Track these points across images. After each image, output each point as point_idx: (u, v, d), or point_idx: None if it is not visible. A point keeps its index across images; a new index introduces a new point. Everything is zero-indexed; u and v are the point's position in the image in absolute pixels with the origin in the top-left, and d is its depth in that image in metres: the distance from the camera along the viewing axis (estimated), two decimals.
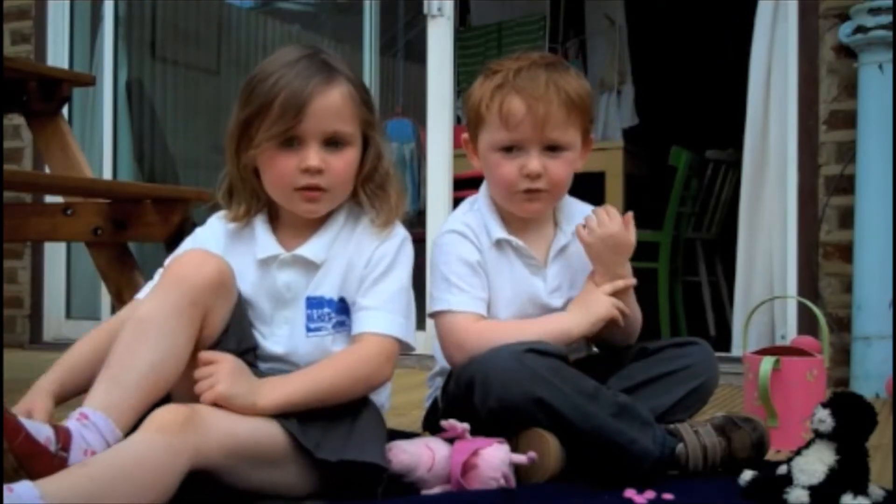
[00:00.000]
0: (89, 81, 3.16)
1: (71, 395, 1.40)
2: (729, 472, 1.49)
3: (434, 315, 1.68)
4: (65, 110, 3.00)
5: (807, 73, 3.01)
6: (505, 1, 5.50)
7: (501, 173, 1.67)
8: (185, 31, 4.96)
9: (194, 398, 1.31)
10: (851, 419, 1.34)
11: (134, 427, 1.24)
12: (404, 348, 1.50)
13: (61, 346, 4.19)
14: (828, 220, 2.97)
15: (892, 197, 2.75)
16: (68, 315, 4.21)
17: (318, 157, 1.45)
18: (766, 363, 1.84)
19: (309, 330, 1.49)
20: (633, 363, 1.67)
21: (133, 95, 4.51)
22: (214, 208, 1.59)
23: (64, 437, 1.19)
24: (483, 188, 1.77)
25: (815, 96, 3.00)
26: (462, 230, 1.69)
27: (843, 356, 2.85)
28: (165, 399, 1.33)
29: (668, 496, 1.37)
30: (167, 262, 1.48)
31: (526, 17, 5.34)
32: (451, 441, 1.47)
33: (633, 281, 1.69)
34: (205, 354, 1.34)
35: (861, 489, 1.32)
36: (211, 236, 1.56)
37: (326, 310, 1.49)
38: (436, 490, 1.42)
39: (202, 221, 1.63)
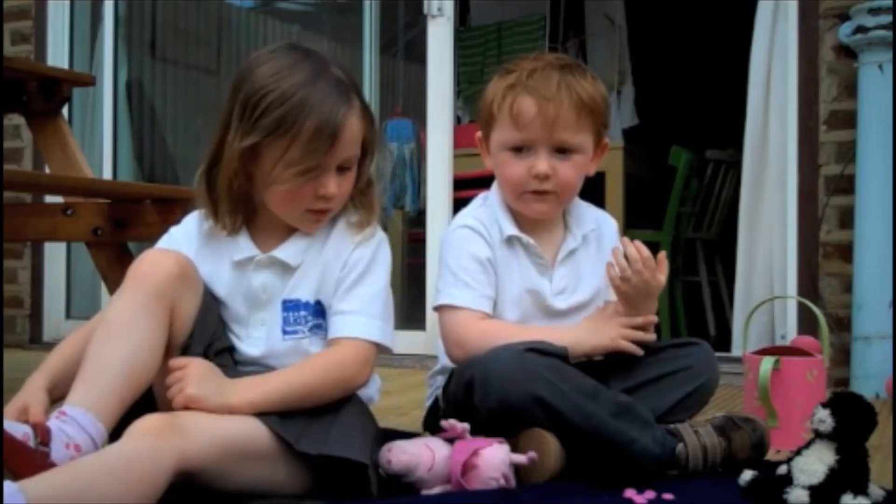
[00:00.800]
0: (89, 81, 3.16)
1: (62, 394, 1.40)
2: (729, 472, 1.49)
3: (438, 308, 1.68)
4: (65, 110, 3.00)
5: (807, 73, 3.01)
6: (505, 1, 5.50)
7: (510, 173, 1.67)
8: (185, 31, 4.96)
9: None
10: (851, 419, 1.34)
11: (119, 427, 1.25)
12: (382, 351, 1.50)
13: None
14: (828, 220, 2.97)
15: (892, 197, 2.75)
16: (68, 315, 4.21)
17: (335, 185, 1.45)
18: (766, 363, 1.84)
19: (285, 333, 1.49)
20: (633, 363, 1.66)
21: (133, 95, 4.51)
22: None
23: (42, 432, 1.19)
24: (495, 185, 1.77)
25: (815, 96, 2.99)
26: (474, 225, 1.69)
27: (843, 356, 2.85)
28: (148, 398, 1.33)
29: (668, 496, 1.37)
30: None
31: (526, 17, 5.34)
32: (451, 441, 1.47)
33: (654, 319, 1.64)
34: (173, 361, 1.34)
35: (861, 489, 1.32)
36: (184, 236, 1.55)
37: (303, 313, 1.49)
38: (436, 490, 1.42)
39: None
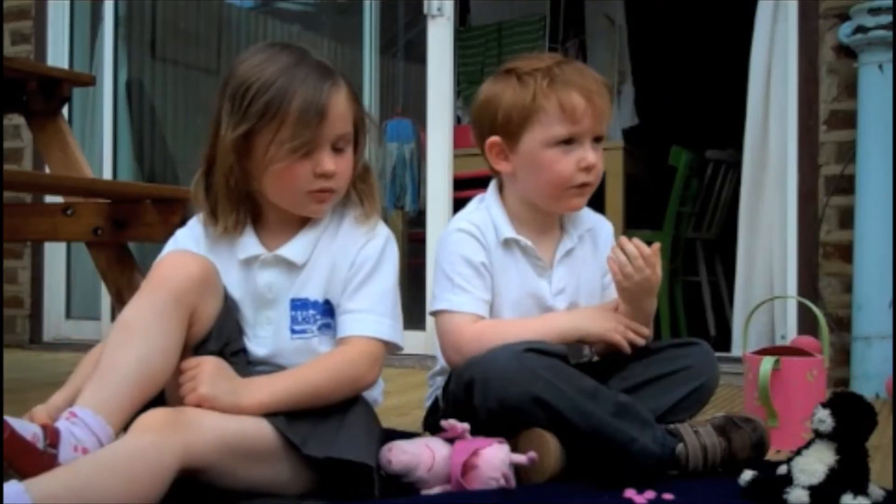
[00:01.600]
0: (89, 81, 3.16)
1: None
2: (729, 472, 1.49)
3: (435, 314, 1.68)
4: (65, 110, 3.00)
5: (807, 73, 3.01)
6: (505, 1, 5.50)
7: (559, 168, 1.66)
8: (185, 31, 4.96)
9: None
10: (851, 419, 1.34)
11: (127, 427, 1.24)
12: (392, 349, 1.50)
13: (61, 346, 4.20)
14: (828, 220, 2.97)
15: (892, 197, 2.75)
16: (68, 315, 4.21)
17: (332, 162, 1.45)
18: (766, 363, 1.84)
19: (293, 332, 1.48)
20: (633, 363, 1.67)
21: (133, 95, 4.51)
22: None
23: (52, 434, 1.19)
24: (492, 187, 1.77)
25: (815, 96, 2.99)
26: (469, 229, 1.69)
27: (843, 356, 2.85)
28: (159, 399, 1.33)
29: (668, 496, 1.37)
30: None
31: (526, 17, 5.34)
32: (451, 441, 1.47)
33: (647, 332, 1.66)
34: (187, 361, 1.34)
35: (861, 489, 1.32)
36: (191, 238, 1.55)
37: (311, 311, 1.49)
38: (436, 490, 1.42)
39: None
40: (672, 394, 1.64)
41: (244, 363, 1.47)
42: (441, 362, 1.73)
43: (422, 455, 1.44)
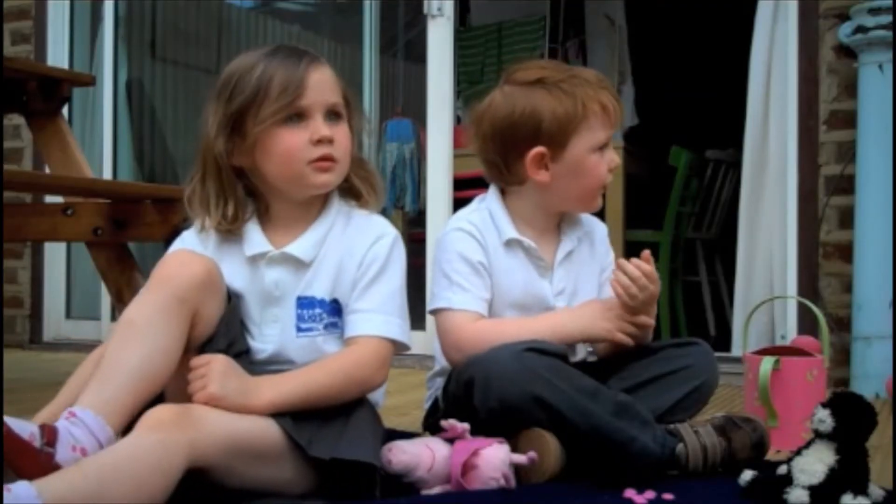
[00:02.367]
0: (89, 81, 3.17)
1: None
2: (729, 472, 1.49)
3: (434, 312, 1.68)
4: (65, 110, 3.00)
5: (807, 73, 3.01)
6: (505, 1, 5.50)
7: (600, 172, 1.69)
8: (185, 31, 4.96)
9: (188, 399, 1.31)
10: (851, 419, 1.34)
11: (129, 427, 1.24)
12: (400, 348, 1.50)
13: (61, 346, 4.20)
14: (828, 220, 2.97)
15: (892, 197, 2.75)
16: (68, 315, 4.21)
17: (327, 128, 1.46)
18: (766, 363, 1.84)
19: (299, 330, 1.48)
20: (633, 363, 1.67)
21: (133, 95, 4.51)
22: None
23: (49, 433, 1.18)
24: (493, 189, 1.76)
25: (815, 96, 3.00)
26: (468, 228, 1.69)
27: (843, 356, 2.85)
28: (160, 399, 1.33)
29: (668, 496, 1.37)
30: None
31: (526, 17, 5.34)
32: (451, 441, 1.47)
33: (652, 323, 1.67)
34: (196, 359, 1.34)
35: (861, 489, 1.32)
36: (197, 237, 1.54)
37: (318, 310, 1.48)
38: (436, 490, 1.42)
39: None
40: (672, 394, 1.64)
41: (248, 364, 1.47)
42: (440, 363, 1.74)
43: (422, 455, 1.44)
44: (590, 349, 1.78)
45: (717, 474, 1.52)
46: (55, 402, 1.38)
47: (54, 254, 4.17)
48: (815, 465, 1.34)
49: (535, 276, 1.71)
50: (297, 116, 1.46)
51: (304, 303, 1.48)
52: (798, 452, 1.38)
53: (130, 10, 4.55)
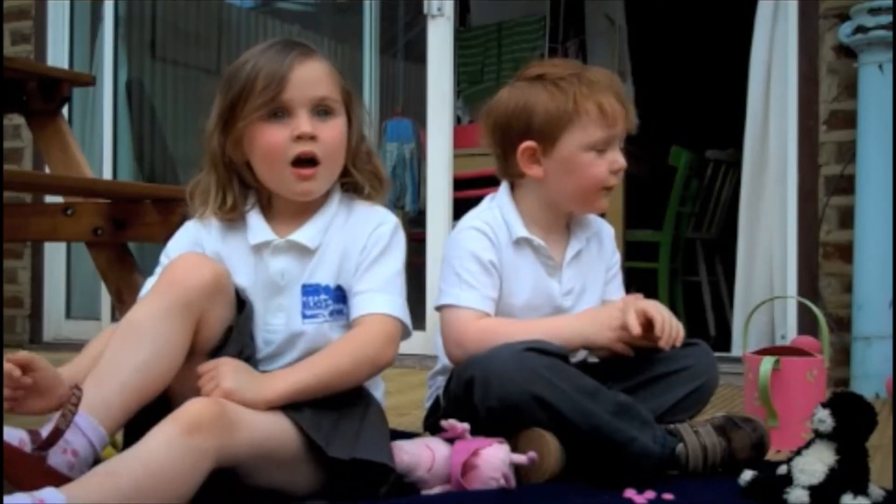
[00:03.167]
0: (89, 81, 3.16)
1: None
2: (729, 472, 1.49)
3: (440, 308, 1.68)
4: (65, 110, 3.00)
5: (807, 73, 3.01)
6: (505, 1, 5.50)
7: (595, 172, 1.68)
8: (185, 31, 4.96)
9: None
10: (851, 419, 1.34)
11: (138, 428, 1.23)
12: (404, 333, 1.49)
13: (61, 346, 4.19)
14: (828, 220, 2.97)
15: (892, 197, 2.75)
16: (68, 315, 4.21)
17: (309, 124, 1.45)
18: (766, 363, 1.84)
19: (305, 317, 1.48)
20: (633, 364, 1.67)
21: (133, 95, 4.51)
22: None
23: (37, 437, 1.18)
24: (504, 186, 1.77)
25: (815, 96, 3.00)
26: (482, 227, 1.69)
27: (843, 356, 2.85)
28: (160, 400, 1.32)
29: (668, 496, 1.37)
30: (162, 256, 1.49)
31: (526, 17, 5.34)
32: (451, 441, 1.47)
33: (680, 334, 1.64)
34: (202, 366, 1.33)
35: (861, 489, 1.32)
36: (203, 227, 1.54)
37: (323, 296, 1.49)
38: (436, 490, 1.42)
39: None
40: (672, 394, 1.64)
41: (255, 366, 1.47)
42: (442, 361, 1.74)
43: (422, 455, 1.44)
44: (581, 355, 1.78)
45: (717, 474, 1.52)
46: (75, 365, 1.37)
47: (54, 254, 4.17)
48: (815, 465, 1.34)
49: (544, 274, 1.71)
50: (281, 112, 1.45)
51: (310, 290, 1.49)
52: (798, 452, 1.38)
53: (130, 10, 4.55)
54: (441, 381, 1.73)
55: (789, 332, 2.96)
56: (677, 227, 4.33)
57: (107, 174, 4.13)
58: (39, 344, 4.11)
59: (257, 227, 1.51)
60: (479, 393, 1.51)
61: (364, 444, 1.36)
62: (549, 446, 1.47)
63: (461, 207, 1.81)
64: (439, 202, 3.53)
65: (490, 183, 1.80)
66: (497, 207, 1.73)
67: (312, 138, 1.45)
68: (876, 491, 1.34)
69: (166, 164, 4.72)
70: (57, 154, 2.78)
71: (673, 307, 4.28)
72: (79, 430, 1.21)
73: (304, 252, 1.49)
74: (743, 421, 1.58)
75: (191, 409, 1.20)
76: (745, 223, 3.20)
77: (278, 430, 1.30)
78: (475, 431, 1.47)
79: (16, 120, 4.04)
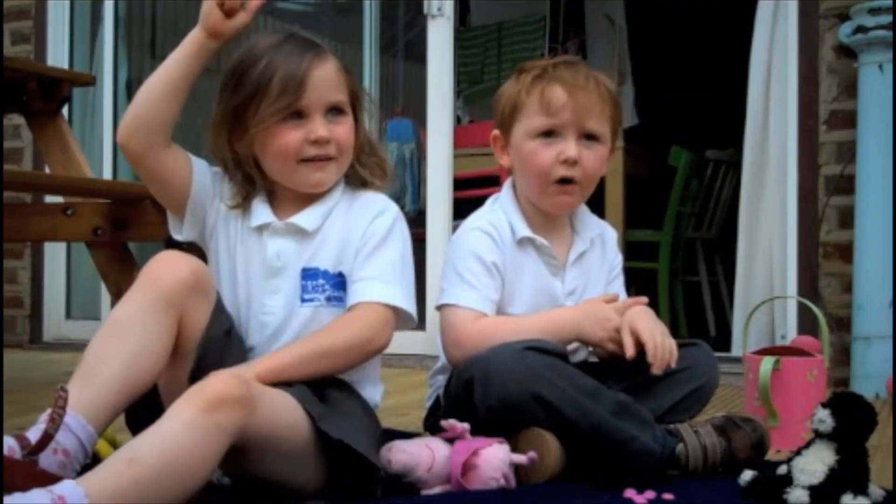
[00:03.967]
0: (89, 81, 3.16)
1: None
2: (729, 472, 1.49)
3: (440, 307, 1.68)
4: (65, 110, 3.00)
5: (807, 73, 3.01)
6: (505, 1, 5.50)
7: (538, 160, 1.67)
8: (185, 31, 4.93)
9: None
10: (851, 419, 1.34)
11: (138, 424, 1.24)
12: (403, 319, 1.50)
13: (61, 346, 4.19)
14: (828, 220, 2.97)
15: (892, 197, 2.75)
16: (68, 315, 4.21)
17: (325, 129, 1.47)
18: (766, 363, 1.84)
19: (303, 301, 1.49)
20: (633, 363, 1.66)
21: (133, 95, 4.51)
22: None
23: (24, 441, 1.17)
24: (507, 186, 1.77)
25: (815, 96, 3.00)
26: (486, 228, 1.69)
27: (843, 356, 2.85)
28: (150, 395, 1.33)
29: (668, 496, 1.37)
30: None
31: (526, 17, 5.34)
32: (451, 441, 1.47)
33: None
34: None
35: (861, 489, 1.32)
36: (215, 177, 1.55)
37: (321, 281, 1.49)
38: (436, 490, 1.42)
39: None
40: (672, 394, 1.64)
41: (243, 349, 1.48)
42: (442, 360, 1.74)
43: (422, 455, 1.44)
44: (590, 349, 1.78)
45: (717, 474, 1.52)
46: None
47: (54, 254, 4.17)
48: (815, 465, 1.34)
49: (547, 274, 1.71)
50: (297, 115, 1.47)
51: (309, 274, 1.50)
52: (798, 452, 1.38)
53: (130, 10, 4.55)
54: (441, 380, 1.73)
55: (789, 332, 2.97)
56: (677, 227, 4.33)
57: (107, 174, 4.13)
58: (39, 344, 4.11)
59: (259, 211, 1.53)
60: (479, 392, 1.51)
61: (354, 435, 1.35)
62: (549, 446, 1.47)
63: (461, 207, 1.82)
64: (439, 202, 3.53)
65: (490, 183, 1.80)
66: (500, 209, 1.74)
67: (328, 141, 1.48)
68: (876, 491, 1.34)
69: None
70: (57, 154, 2.78)
71: (673, 307, 4.31)
72: (68, 429, 1.21)
73: (302, 235, 1.51)
74: (743, 421, 1.58)
75: (213, 385, 1.19)
76: (745, 223, 3.20)
77: (291, 412, 1.30)
78: (475, 431, 1.47)
79: (16, 120, 4.04)
